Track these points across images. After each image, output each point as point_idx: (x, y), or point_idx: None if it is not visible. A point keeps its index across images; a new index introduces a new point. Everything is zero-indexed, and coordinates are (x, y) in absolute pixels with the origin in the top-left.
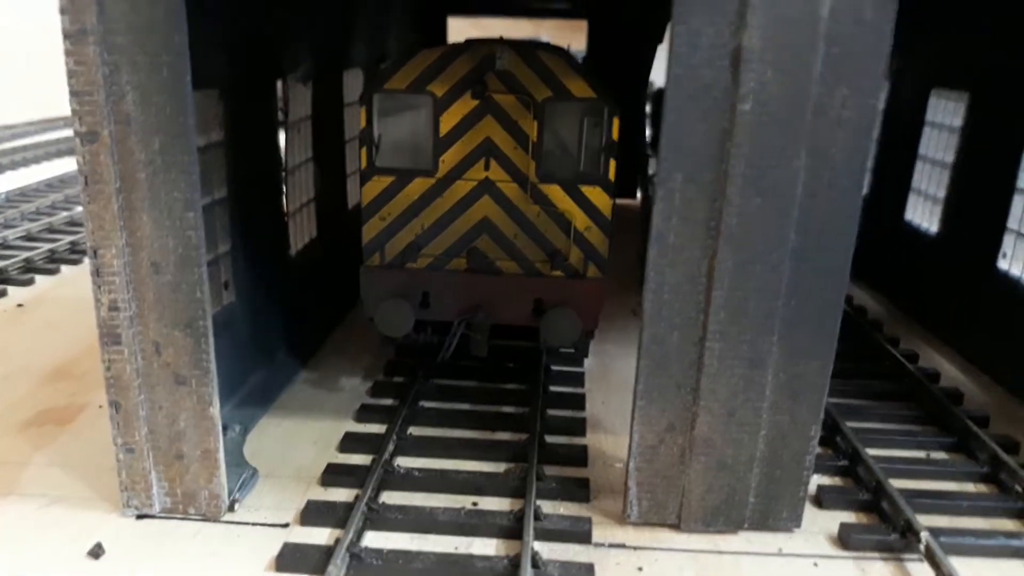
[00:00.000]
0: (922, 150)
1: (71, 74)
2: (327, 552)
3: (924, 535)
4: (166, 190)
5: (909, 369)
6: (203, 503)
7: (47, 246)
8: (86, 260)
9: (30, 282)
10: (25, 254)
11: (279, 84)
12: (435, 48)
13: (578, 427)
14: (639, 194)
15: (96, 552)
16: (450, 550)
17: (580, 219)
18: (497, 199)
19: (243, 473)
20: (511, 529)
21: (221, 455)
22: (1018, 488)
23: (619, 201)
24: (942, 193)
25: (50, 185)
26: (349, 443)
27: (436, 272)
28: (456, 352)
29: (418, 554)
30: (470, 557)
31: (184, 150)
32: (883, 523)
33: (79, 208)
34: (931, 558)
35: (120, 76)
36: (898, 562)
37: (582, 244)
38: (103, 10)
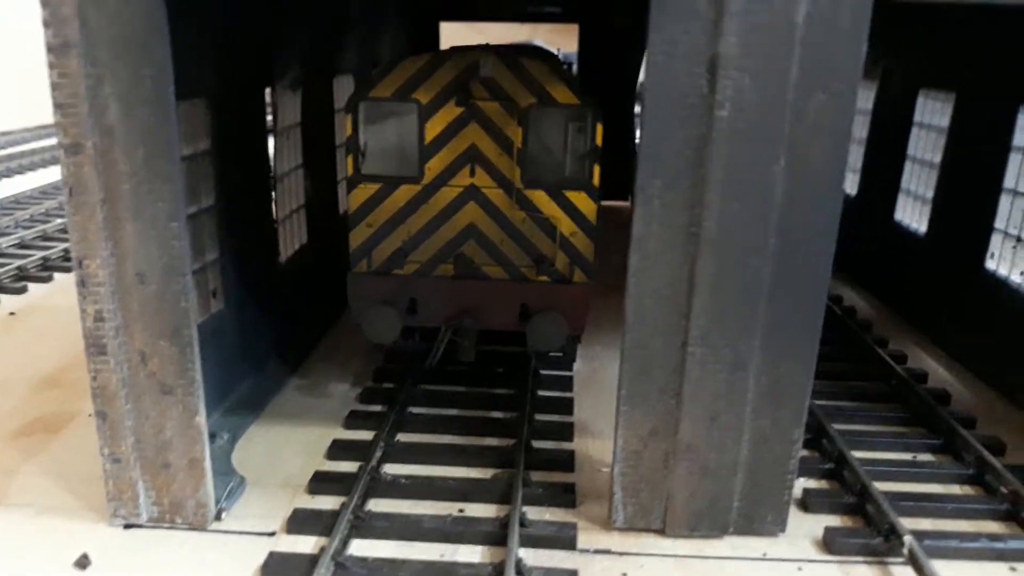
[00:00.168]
0: (911, 150)
1: (54, 86)
2: (312, 560)
3: (907, 539)
4: (150, 201)
5: (896, 370)
6: (190, 512)
7: (40, 254)
8: None
9: (23, 290)
10: (18, 262)
11: (268, 92)
12: (420, 56)
13: (566, 432)
14: (631, 197)
15: (82, 563)
16: (435, 558)
17: (566, 224)
18: (483, 205)
19: (230, 482)
20: (496, 536)
21: (208, 464)
22: (1003, 490)
23: (610, 204)
24: (930, 193)
25: (44, 192)
26: (337, 450)
27: (423, 278)
28: (444, 358)
29: (403, 562)
30: (455, 564)
31: (168, 161)
32: (868, 526)
33: None
34: (914, 562)
35: (103, 88)
36: (882, 566)
37: (568, 249)
38: (86, 24)
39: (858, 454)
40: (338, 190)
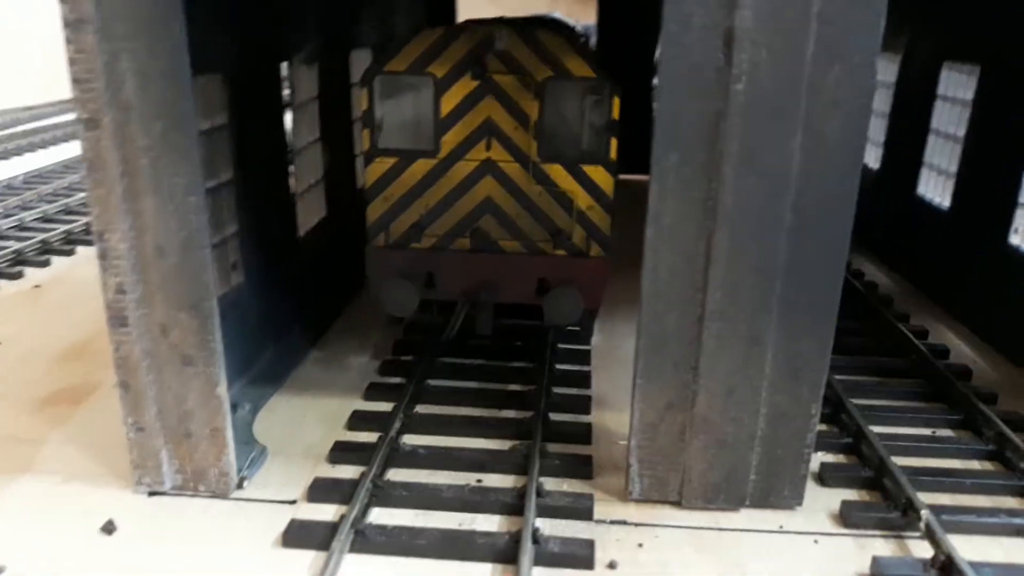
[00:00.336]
0: (934, 124)
1: (71, 62)
2: (332, 528)
3: (924, 513)
4: (168, 175)
5: (917, 345)
6: (212, 480)
7: (63, 227)
8: None
9: (46, 263)
10: (42, 235)
11: (284, 66)
12: (435, 29)
13: (583, 405)
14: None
15: (109, 528)
16: (454, 526)
17: (582, 198)
18: (499, 179)
19: (252, 451)
20: (514, 506)
21: (229, 434)
22: (1023, 466)
23: (630, 178)
24: (954, 168)
25: (67, 166)
26: (357, 421)
27: (440, 252)
28: (461, 331)
29: (422, 530)
30: (473, 533)
31: (185, 135)
32: (885, 501)
33: None
34: (931, 536)
35: (120, 64)
36: (899, 539)
37: (584, 223)
38: None
39: (877, 429)
40: (355, 165)
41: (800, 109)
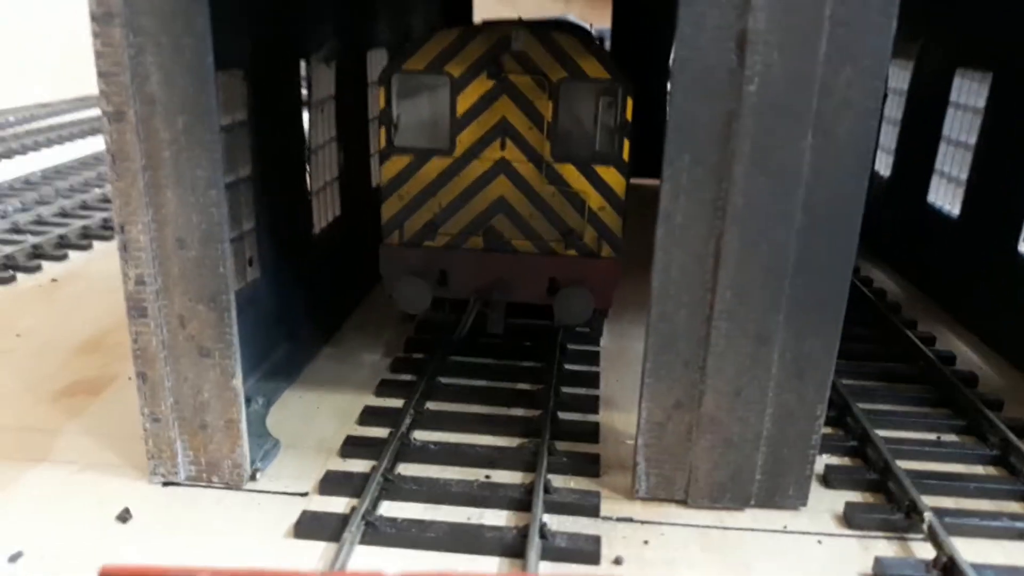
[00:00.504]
0: (946, 131)
1: (98, 55)
2: (343, 520)
3: (927, 515)
4: (190, 168)
5: (923, 351)
6: (226, 472)
7: (80, 222)
8: None
9: (64, 257)
10: (59, 230)
11: (303, 64)
12: (452, 29)
13: (591, 404)
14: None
15: (124, 517)
16: (462, 520)
17: (594, 199)
18: (513, 179)
19: (265, 444)
20: (522, 501)
21: (244, 426)
22: None
23: (644, 182)
24: (964, 175)
25: (84, 163)
26: (368, 416)
27: (453, 251)
28: (473, 329)
29: (431, 523)
30: (481, 527)
31: (207, 129)
32: (889, 503)
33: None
34: (933, 537)
35: (145, 57)
36: (902, 541)
37: (596, 224)
38: None
39: (882, 433)
40: (371, 163)
41: (811, 110)
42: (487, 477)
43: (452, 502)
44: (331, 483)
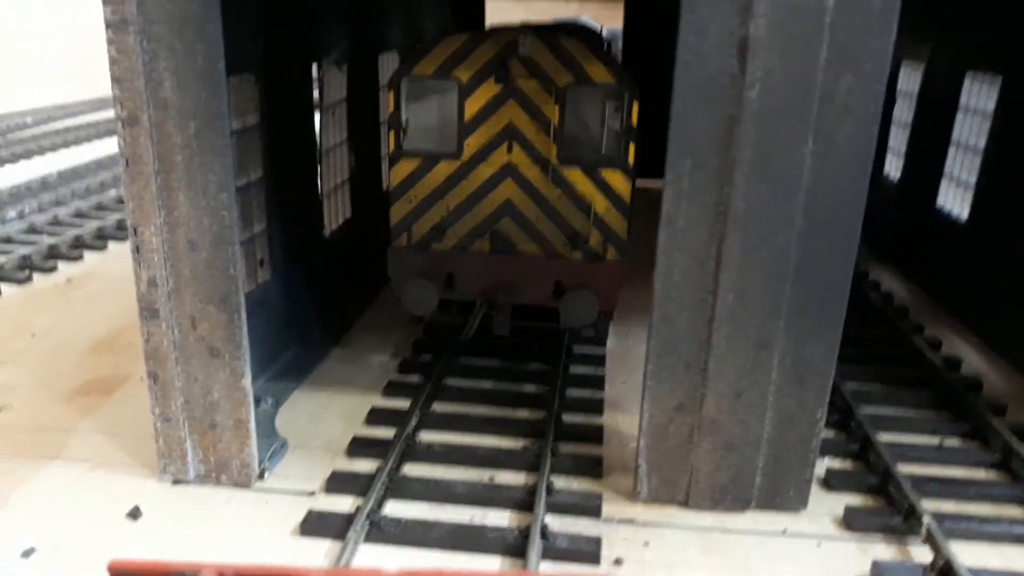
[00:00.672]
0: (955, 135)
1: (112, 61)
2: (348, 519)
3: (926, 518)
4: (202, 172)
5: (928, 356)
6: (235, 471)
7: (96, 223)
8: None
9: (79, 258)
10: (75, 231)
11: (315, 68)
12: (461, 35)
13: (596, 407)
14: None
15: (134, 514)
16: (465, 520)
17: (600, 202)
18: (519, 182)
19: (273, 443)
20: (524, 502)
21: (252, 426)
22: None
23: (653, 183)
24: (973, 179)
25: (100, 164)
26: (375, 417)
27: (460, 253)
28: (479, 332)
29: (435, 523)
30: (483, 527)
31: (219, 134)
32: (889, 506)
33: None
34: (931, 541)
35: (158, 63)
36: (900, 544)
37: (602, 227)
38: (142, 1)
39: (885, 437)
40: (381, 166)
41: (812, 115)
42: (491, 478)
43: (456, 502)
44: (337, 482)
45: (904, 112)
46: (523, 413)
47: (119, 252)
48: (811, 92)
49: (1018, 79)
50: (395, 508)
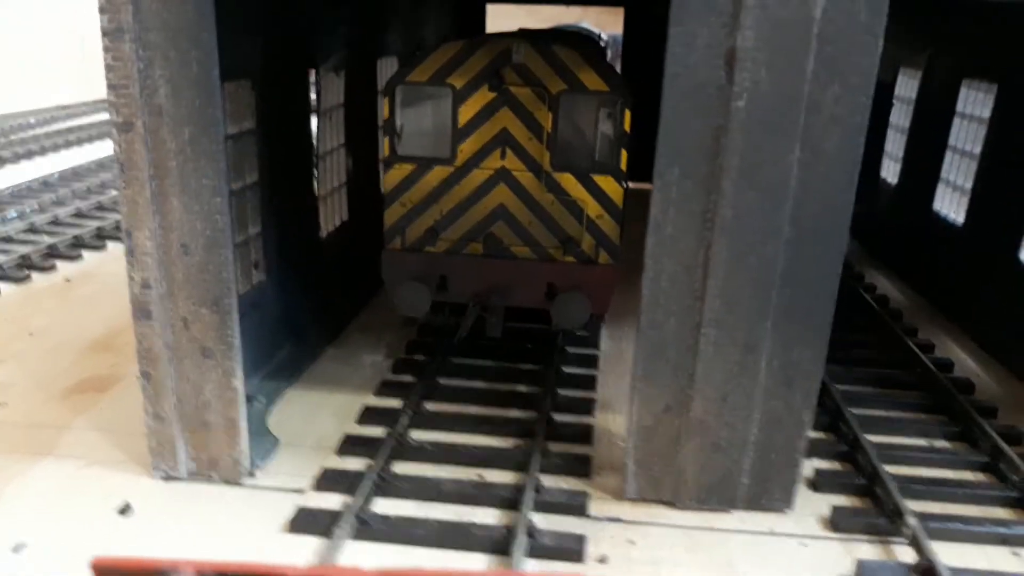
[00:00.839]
0: (952, 140)
1: (108, 68)
2: (336, 516)
3: (910, 519)
4: (195, 177)
5: (920, 358)
6: (225, 468)
7: (95, 223)
8: None
9: (78, 257)
10: (74, 231)
11: (312, 73)
12: (455, 42)
13: (587, 407)
14: None
15: (125, 510)
16: (453, 518)
17: (592, 207)
18: (513, 187)
19: (265, 442)
20: (512, 501)
21: (243, 424)
22: (1015, 478)
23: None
24: (969, 184)
25: (101, 164)
26: (367, 416)
27: (454, 256)
28: (472, 333)
29: (422, 521)
30: (471, 525)
31: (212, 140)
32: (876, 507)
33: None
34: (915, 542)
35: (154, 71)
36: (885, 545)
37: (594, 231)
38: (138, 9)
39: (874, 438)
40: (379, 170)
41: (799, 126)
42: (480, 476)
43: (444, 500)
44: (327, 480)
45: (901, 118)
46: (515, 412)
47: (118, 252)
48: (798, 103)
49: (1013, 88)
50: (384, 506)
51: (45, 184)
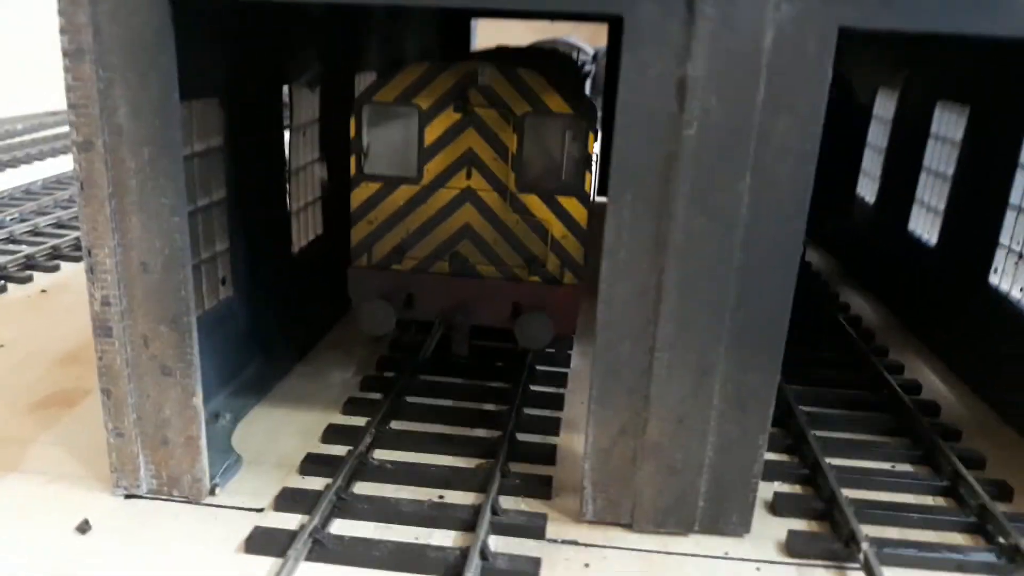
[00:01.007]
0: (926, 161)
1: (69, 88)
2: (292, 536)
3: (864, 544)
4: (154, 196)
5: (888, 380)
6: (186, 486)
7: (74, 234)
8: None
9: (55, 268)
10: (53, 241)
11: (285, 89)
12: (422, 63)
13: (553, 426)
14: None
15: (83, 528)
16: (410, 540)
17: (557, 228)
18: (478, 207)
19: (228, 459)
20: (470, 522)
21: (203, 442)
22: (974, 503)
23: None
24: (942, 205)
25: None
26: (332, 434)
27: (420, 274)
28: (438, 351)
29: (378, 542)
30: (427, 547)
31: (171, 160)
32: (833, 532)
33: None
34: (867, 568)
35: (113, 91)
36: (840, 570)
37: (559, 251)
38: (98, 31)
39: (835, 461)
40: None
41: (749, 153)
42: (440, 497)
43: (403, 522)
44: (286, 500)
45: (879, 137)
46: (479, 432)
47: None
48: (748, 132)
49: (984, 110)
50: (342, 527)
51: (28, 192)
